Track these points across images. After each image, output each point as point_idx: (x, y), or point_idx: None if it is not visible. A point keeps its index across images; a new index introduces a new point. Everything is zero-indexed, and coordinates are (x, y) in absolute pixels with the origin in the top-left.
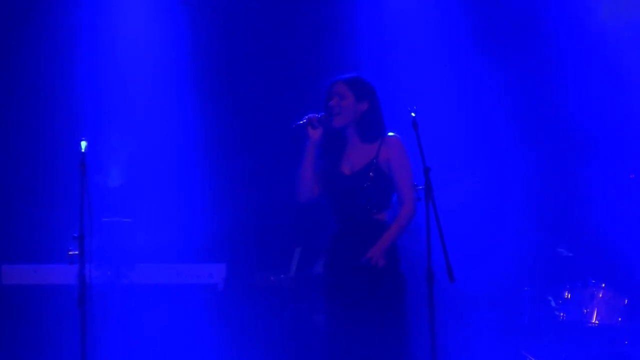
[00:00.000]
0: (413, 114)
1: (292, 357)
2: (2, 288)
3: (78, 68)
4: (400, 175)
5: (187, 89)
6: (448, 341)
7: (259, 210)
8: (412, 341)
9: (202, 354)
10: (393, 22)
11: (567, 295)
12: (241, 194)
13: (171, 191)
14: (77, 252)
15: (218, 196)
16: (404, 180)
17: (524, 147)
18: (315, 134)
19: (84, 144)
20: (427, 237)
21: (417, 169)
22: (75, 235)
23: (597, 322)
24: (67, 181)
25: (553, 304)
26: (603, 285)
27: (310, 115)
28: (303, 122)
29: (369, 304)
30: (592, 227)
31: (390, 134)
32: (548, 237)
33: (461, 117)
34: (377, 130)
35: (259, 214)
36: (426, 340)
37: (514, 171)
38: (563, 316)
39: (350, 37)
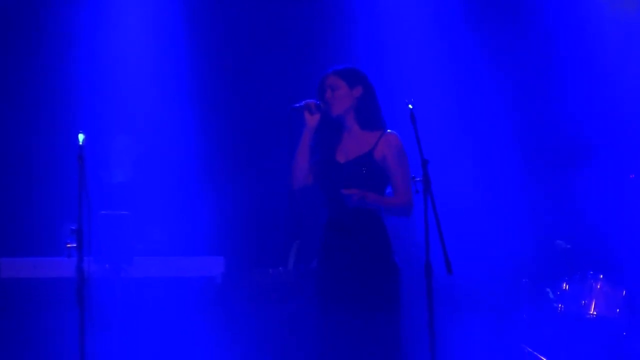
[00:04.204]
0: (410, 107)
1: (290, 351)
2: (0, 281)
3: (78, 63)
4: (400, 173)
5: (186, 84)
6: (446, 333)
7: (258, 203)
8: (406, 331)
9: (200, 347)
10: (389, 13)
11: (565, 286)
12: (239, 187)
13: (169, 184)
14: (75, 245)
15: (216, 188)
16: (403, 178)
17: (522, 140)
18: (312, 119)
19: (81, 136)
20: (425, 229)
21: (415, 162)
22: (74, 228)
23: (595, 313)
24: (65, 174)
25: (551, 295)
26: (601, 276)
27: (309, 100)
28: (300, 106)
29: (362, 295)
30: (590, 218)
31: (389, 130)
32: (546, 229)
33: (460, 109)
34: (375, 115)
35: (258, 207)
36: (424, 332)
37: (513, 163)
38: (561, 308)
39: (346, 29)
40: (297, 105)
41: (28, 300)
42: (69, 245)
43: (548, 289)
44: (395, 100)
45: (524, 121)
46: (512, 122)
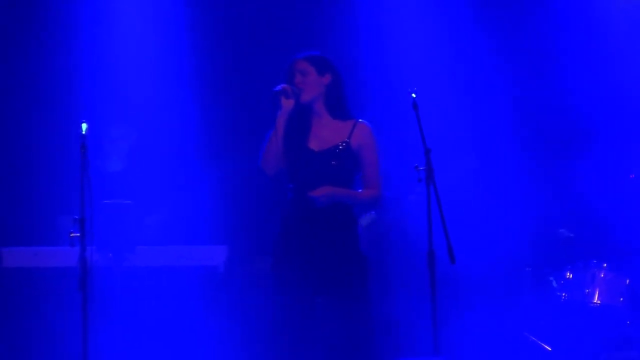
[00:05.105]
0: (414, 95)
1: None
2: (3, 271)
3: (79, 53)
4: (373, 165)
5: (187, 72)
6: (449, 322)
7: (261, 191)
8: (409, 320)
9: (203, 336)
10: (391, 2)
11: (568, 275)
12: (242, 175)
13: (172, 172)
14: (78, 235)
15: (219, 177)
16: (375, 170)
17: (525, 128)
18: (288, 104)
19: (84, 126)
20: (428, 218)
21: (417, 150)
22: (76, 217)
23: (598, 302)
24: (67, 163)
25: (555, 284)
26: (605, 265)
27: (285, 85)
28: (278, 90)
29: (330, 288)
30: (593, 207)
31: (360, 120)
32: (549, 218)
33: (461, 98)
34: (345, 104)
35: (261, 195)
36: (427, 321)
37: (515, 152)
38: (565, 296)
39: (348, 16)
40: (277, 89)
41: (31, 290)
42: (72, 235)
43: (551, 278)
44: (398, 89)
45: (526, 109)
46: (514, 110)
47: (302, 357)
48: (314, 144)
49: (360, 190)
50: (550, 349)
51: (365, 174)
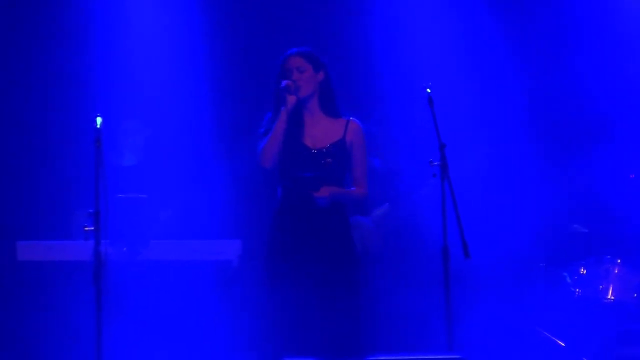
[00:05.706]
0: (429, 90)
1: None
2: (18, 264)
3: (94, 47)
4: (363, 162)
5: (202, 68)
6: (463, 316)
7: (275, 186)
8: (423, 315)
9: (217, 330)
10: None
11: (582, 271)
12: (257, 170)
13: (187, 166)
14: (92, 229)
15: (234, 171)
16: (364, 167)
17: (539, 123)
18: (291, 99)
19: (99, 120)
20: (442, 213)
21: (432, 146)
22: (91, 211)
23: (612, 298)
24: (82, 157)
25: (568, 280)
26: (619, 261)
27: (288, 81)
28: (283, 87)
29: (324, 284)
30: (608, 202)
31: (351, 118)
32: (563, 213)
33: (476, 93)
34: (337, 102)
35: (275, 190)
36: (441, 316)
37: (529, 147)
38: (578, 292)
39: (363, 10)
40: (282, 85)
41: (45, 284)
42: (86, 229)
43: (565, 273)
44: (413, 84)
45: (541, 105)
46: (528, 106)
47: (297, 351)
48: (309, 141)
49: (352, 189)
50: (563, 344)
51: (356, 172)
